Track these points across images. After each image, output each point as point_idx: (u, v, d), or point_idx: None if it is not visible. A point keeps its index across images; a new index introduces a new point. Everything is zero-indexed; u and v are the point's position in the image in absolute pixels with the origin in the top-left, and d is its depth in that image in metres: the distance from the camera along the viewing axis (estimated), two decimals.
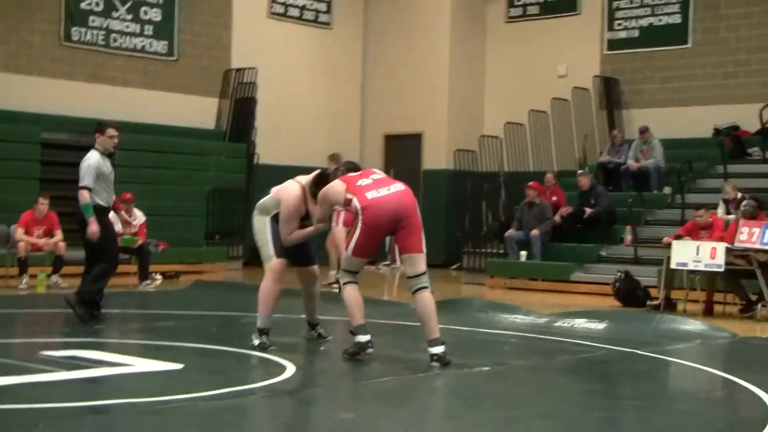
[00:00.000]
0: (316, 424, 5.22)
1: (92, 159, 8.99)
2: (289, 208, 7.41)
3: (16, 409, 5.18)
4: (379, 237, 7.11)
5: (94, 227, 8.88)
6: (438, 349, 6.82)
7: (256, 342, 7.41)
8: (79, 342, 7.74)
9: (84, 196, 8.90)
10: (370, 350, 6.94)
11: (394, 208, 6.92)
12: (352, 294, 6.99)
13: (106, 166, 9.08)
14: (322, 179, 7.40)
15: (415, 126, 19.27)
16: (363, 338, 6.93)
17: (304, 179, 7.55)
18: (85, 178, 8.93)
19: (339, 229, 12.39)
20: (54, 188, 14.47)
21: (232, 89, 17.88)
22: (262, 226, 7.51)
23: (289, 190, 7.47)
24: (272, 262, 7.42)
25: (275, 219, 7.47)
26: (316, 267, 7.89)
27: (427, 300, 6.92)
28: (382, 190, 6.99)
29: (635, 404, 5.97)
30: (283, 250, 7.45)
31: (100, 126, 9.22)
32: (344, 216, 12.38)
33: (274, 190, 7.61)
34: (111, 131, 9.11)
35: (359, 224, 6.93)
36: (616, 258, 14.00)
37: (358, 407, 5.78)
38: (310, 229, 7.51)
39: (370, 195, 6.96)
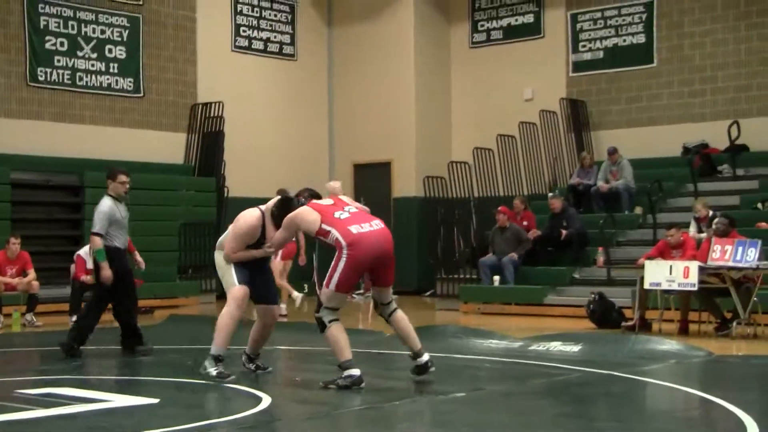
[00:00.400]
0: None
1: (104, 206, 9.18)
2: (241, 228, 7.45)
3: None
4: (361, 272, 7.18)
5: (107, 272, 9.09)
6: (428, 356, 7.29)
7: (213, 371, 7.31)
8: (55, 379, 7.72)
9: (96, 242, 9.12)
10: (363, 384, 6.93)
11: (379, 246, 7.05)
12: (337, 332, 7.01)
13: (119, 211, 9.25)
14: (286, 204, 7.40)
15: (383, 154, 19.34)
16: (356, 372, 6.93)
17: (265, 206, 7.58)
18: (97, 224, 9.14)
19: (277, 263, 12.53)
20: (25, 228, 14.43)
21: (199, 124, 17.89)
22: (222, 262, 7.57)
23: (249, 213, 7.52)
24: (234, 290, 7.42)
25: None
26: (277, 308, 7.89)
27: (405, 319, 7.36)
28: (365, 225, 7.08)
29: (611, 426, 5.99)
30: (245, 279, 7.44)
31: (111, 172, 9.42)
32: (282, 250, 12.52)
33: (231, 227, 7.65)
34: (122, 177, 9.29)
35: (343, 259, 6.95)
36: (589, 280, 14.05)
37: None
38: (257, 251, 7.52)
39: (355, 230, 7.02)
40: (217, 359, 7.36)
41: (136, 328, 9.45)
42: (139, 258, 10.54)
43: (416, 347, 7.33)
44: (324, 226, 7.07)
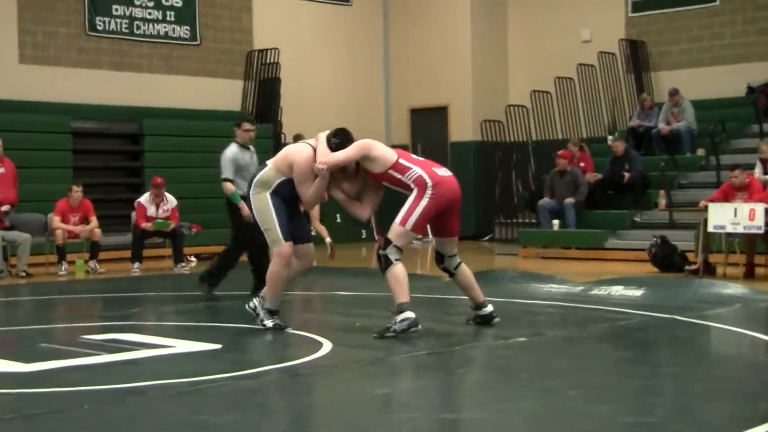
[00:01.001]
0: (354, 399, 5.23)
1: (228, 152, 9.46)
2: (303, 168, 7.03)
3: (62, 392, 5.27)
4: (437, 216, 7.01)
5: (245, 210, 9.17)
6: (491, 307, 7.38)
7: (270, 323, 7.22)
8: (118, 325, 7.85)
9: (227, 187, 9.41)
10: (420, 328, 6.84)
11: (456, 191, 7.05)
12: (401, 272, 6.89)
13: (244, 159, 9.48)
14: (346, 133, 7.14)
15: (440, 98, 19.17)
16: (412, 314, 6.82)
17: (311, 142, 7.24)
18: (225, 170, 9.43)
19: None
20: (86, 176, 14.63)
21: (255, 70, 17.89)
22: (264, 205, 7.14)
23: (300, 151, 7.13)
24: (282, 247, 7.11)
25: (275, 194, 7.14)
26: (312, 245, 7.53)
27: (469, 272, 7.36)
28: (442, 170, 7.08)
29: (674, 371, 5.92)
30: (289, 232, 7.16)
31: (237, 120, 9.75)
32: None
33: (273, 161, 7.27)
34: (246, 125, 9.57)
35: (426, 198, 6.86)
36: (650, 223, 13.85)
37: (395, 382, 5.80)
38: (319, 180, 7.06)
39: (440, 172, 7.02)
40: (272, 312, 7.28)
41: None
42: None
43: (480, 299, 7.36)
44: (403, 161, 6.98)
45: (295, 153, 7.15)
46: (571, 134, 16.69)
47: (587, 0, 18.10)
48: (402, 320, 6.82)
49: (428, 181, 6.89)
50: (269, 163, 7.29)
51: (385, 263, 6.89)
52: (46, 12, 15.71)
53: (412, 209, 6.88)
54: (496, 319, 7.37)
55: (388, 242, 6.93)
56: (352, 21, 19.54)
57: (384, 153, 7.03)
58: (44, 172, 14.66)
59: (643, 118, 15.95)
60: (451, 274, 7.39)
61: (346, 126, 7.37)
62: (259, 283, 9.41)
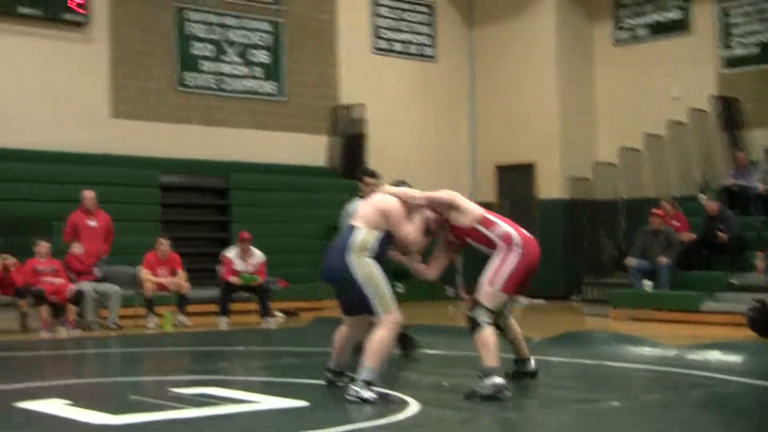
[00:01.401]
0: None
1: (351, 204, 9.38)
2: (399, 210, 6.67)
3: None
4: (526, 276, 6.77)
5: None
6: (534, 362, 7.47)
7: (369, 396, 6.49)
8: (206, 379, 7.83)
9: None
10: (508, 393, 6.60)
11: (539, 254, 6.83)
12: (490, 336, 6.66)
13: None
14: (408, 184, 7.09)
15: (526, 155, 19.04)
16: (500, 380, 6.57)
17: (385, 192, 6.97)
18: (340, 221, 9.31)
19: None
20: (173, 229, 14.81)
21: (341, 126, 18.01)
22: (373, 272, 6.58)
23: (387, 198, 6.76)
24: (396, 314, 6.64)
25: (375, 259, 6.66)
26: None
27: (517, 326, 7.44)
28: (525, 231, 6.89)
29: None
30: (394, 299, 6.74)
31: (359, 175, 9.69)
32: None
33: (361, 220, 6.71)
34: (367, 179, 9.45)
35: (515, 257, 6.64)
36: (747, 286, 13.34)
37: None
38: (419, 216, 6.77)
39: (525, 231, 6.85)
40: (370, 384, 6.58)
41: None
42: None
43: (527, 354, 7.44)
44: (489, 216, 6.82)
45: (383, 201, 6.79)
46: (661, 192, 16.36)
47: (676, 56, 17.86)
48: (491, 385, 6.56)
49: (517, 239, 6.69)
50: (357, 223, 6.75)
51: (473, 326, 6.69)
52: (138, 67, 16.12)
53: (500, 268, 6.65)
54: (536, 371, 7.46)
55: (476, 303, 6.73)
56: (438, 77, 19.61)
57: (470, 205, 6.88)
58: (133, 225, 14.89)
59: (738, 176, 15.54)
60: (500, 329, 7.21)
61: (432, 183, 7.29)
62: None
